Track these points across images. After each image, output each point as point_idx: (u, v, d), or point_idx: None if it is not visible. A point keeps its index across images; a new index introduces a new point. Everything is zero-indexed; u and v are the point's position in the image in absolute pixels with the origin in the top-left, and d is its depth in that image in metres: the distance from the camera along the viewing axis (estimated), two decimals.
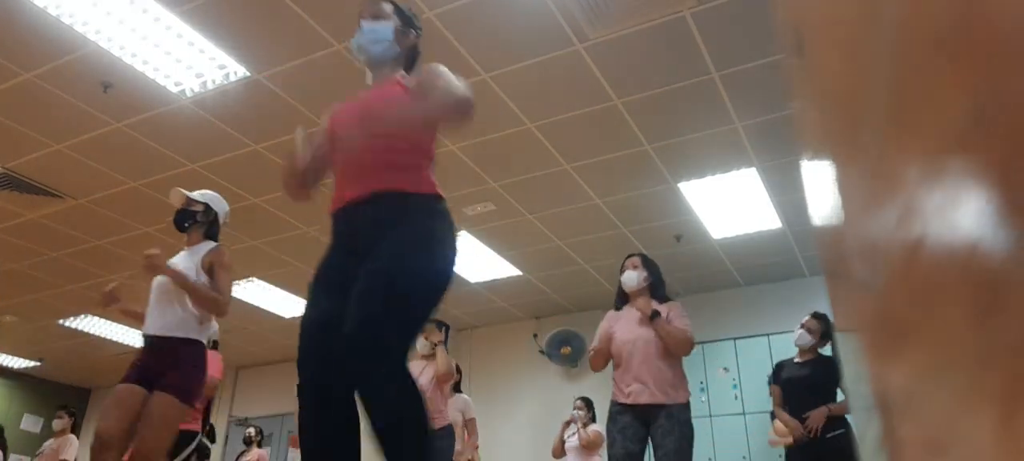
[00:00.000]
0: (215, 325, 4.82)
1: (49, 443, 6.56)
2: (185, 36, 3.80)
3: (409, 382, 1.63)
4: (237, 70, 4.07)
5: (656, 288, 3.60)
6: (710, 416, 6.74)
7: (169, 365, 2.89)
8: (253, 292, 7.36)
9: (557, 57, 3.93)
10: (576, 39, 3.81)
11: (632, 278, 3.58)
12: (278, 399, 9.22)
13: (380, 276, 1.65)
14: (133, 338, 8.61)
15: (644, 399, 3.35)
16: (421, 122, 1.81)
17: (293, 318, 8.07)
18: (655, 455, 3.29)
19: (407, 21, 2.09)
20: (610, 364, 3.59)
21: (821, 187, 0.38)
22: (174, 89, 4.23)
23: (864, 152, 0.29)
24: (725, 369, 6.93)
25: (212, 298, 3.00)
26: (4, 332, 8.53)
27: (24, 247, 6.24)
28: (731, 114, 4.42)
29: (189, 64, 4.01)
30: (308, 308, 1.82)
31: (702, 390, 6.85)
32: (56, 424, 6.49)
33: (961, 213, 0.21)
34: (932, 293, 0.24)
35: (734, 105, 4.33)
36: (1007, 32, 0.19)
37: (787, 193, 5.33)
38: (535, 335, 7.89)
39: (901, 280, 0.27)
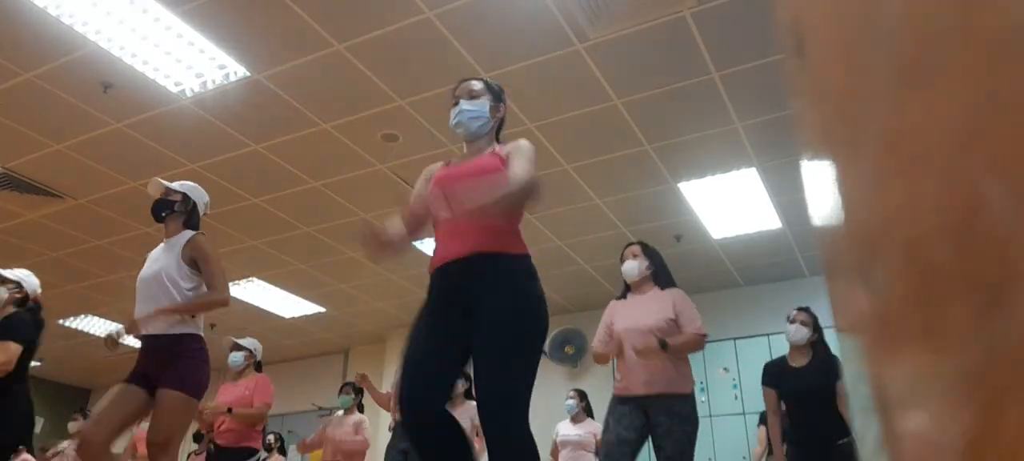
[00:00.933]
0: (259, 345, 4.94)
1: (66, 444, 6.57)
2: (185, 36, 3.80)
3: (532, 447, 1.92)
4: (237, 70, 4.07)
5: (659, 276, 3.50)
6: (710, 416, 6.74)
7: (167, 361, 2.86)
8: (253, 292, 7.36)
9: (557, 57, 3.93)
10: (576, 39, 3.81)
11: (633, 268, 3.49)
12: (278, 399, 9.21)
13: (495, 362, 1.95)
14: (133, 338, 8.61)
15: (641, 390, 3.23)
16: (501, 210, 2.04)
17: (293, 318, 8.08)
18: (656, 457, 3.20)
19: (496, 96, 2.33)
20: (612, 367, 3.55)
21: (821, 187, 0.38)
22: (174, 89, 4.23)
23: (864, 151, 0.29)
24: (725, 369, 6.93)
25: (209, 302, 2.97)
26: None
27: (24, 247, 6.24)
28: (731, 114, 4.42)
29: (189, 64, 4.01)
30: (409, 354, 2.05)
31: (702, 390, 6.85)
32: (71, 426, 6.54)
33: (961, 213, 0.21)
34: (932, 293, 0.24)
35: (734, 105, 4.33)
36: (1007, 31, 0.19)
37: (787, 193, 5.33)
38: None
39: (901, 280, 0.27)
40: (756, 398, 6.63)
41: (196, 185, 3.30)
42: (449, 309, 2.05)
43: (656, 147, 4.80)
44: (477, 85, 2.31)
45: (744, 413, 6.66)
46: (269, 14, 3.65)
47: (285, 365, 9.53)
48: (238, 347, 4.81)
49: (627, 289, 3.58)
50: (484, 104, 2.28)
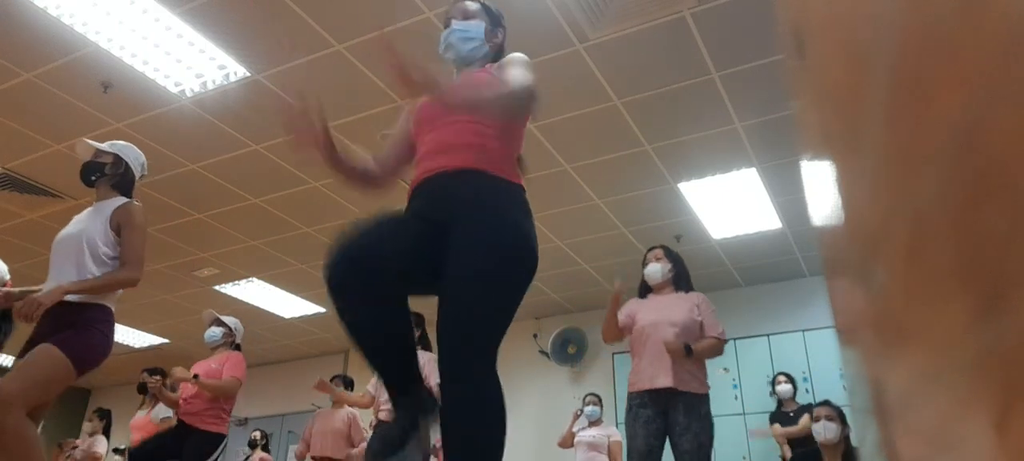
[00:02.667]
0: (241, 326, 4.82)
1: (80, 440, 6.61)
2: (185, 36, 3.80)
3: (496, 394, 1.61)
4: (237, 70, 4.07)
5: (680, 280, 3.55)
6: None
7: (66, 325, 2.55)
8: (253, 292, 7.36)
9: (557, 57, 3.93)
10: (576, 39, 3.81)
11: (656, 271, 3.54)
12: (278, 399, 9.23)
13: (463, 285, 1.63)
14: (134, 338, 8.61)
15: (661, 382, 3.25)
16: (487, 110, 1.77)
17: (293, 318, 8.08)
18: (673, 454, 3.22)
19: (495, 20, 2.07)
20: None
21: (821, 187, 0.38)
22: (174, 89, 4.23)
23: (864, 152, 0.29)
24: (725, 369, 6.93)
25: (115, 282, 2.66)
26: None
27: (24, 247, 6.24)
28: (731, 114, 4.42)
29: (189, 64, 4.01)
30: (357, 231, 1.72)
31: None
32: (86, 426, 6.56)
33: (962, 213, 0.21)
34: (932, 294, 0.24)
35: (734, 105, 4.33)
36: (1008, 31, 0.19)
37: (787, 193, 5.33)
38: (535, 335, 7.89)
39: (901, 281, 0.27)
40: (756, 398, 6.64)
41: (130, 145, 3.02)
42: (424, 223, 1.73)
43: (656, 147, 4.80)
44: (473, 5, 2.04)
45: (744, 413, 6.66)
46: (269, 14, 3.65)
47: (285, 365, 9.53)
48: (219, 323, 4.60)
49: (647, 290, 3.62)
50: (480, 25, 2.00)
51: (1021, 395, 0.19)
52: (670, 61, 3.97)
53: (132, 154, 2.96)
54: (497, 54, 2.05)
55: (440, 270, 1.65)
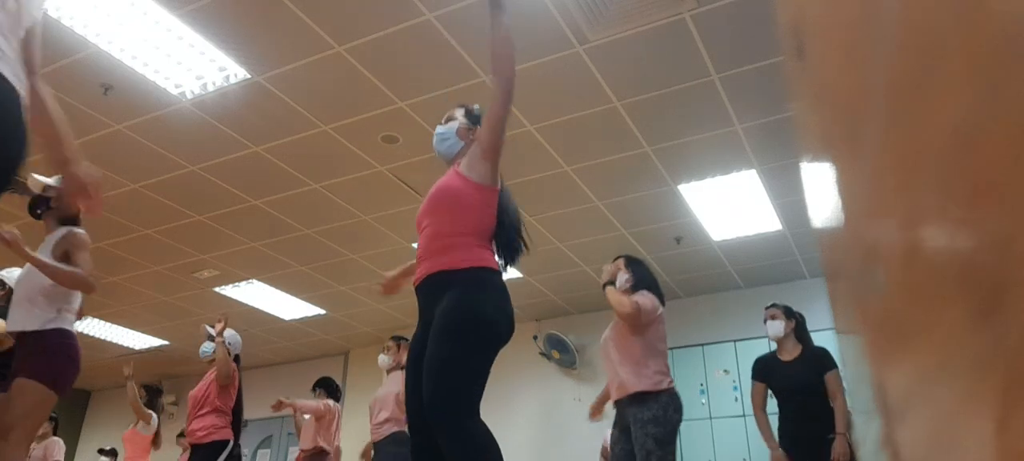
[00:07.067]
0: (238, 339, 4.89)
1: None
2: (185, 38, 3.80)
3: (477, 437, 1.90)
4: (237, 72, 4.07)
5: (637, 288, 3.54)
6: (710, 418, 6.74)
7: (31, 355, 2.76)
8: (253, 294, 7.36)
9: (557, 59, 3.93)
10: (576, 41, 3.81)
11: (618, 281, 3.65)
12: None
13: (430, 363, 1.98)
14: (133, 340, 8.61)
15: (615, 394, 3.44)
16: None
17: (293, 320, 8.07)
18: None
19: (474, 119, 2.41)
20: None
21: (821, 189, 0.38)
22: (174, 91, 4.23)
23: (864, 153, 0.29)
24: (725, 371, 6.93)
25: (71, 274, 2.84)
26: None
27: None
28: (731, 116, 4.42)
29: (189, 66, 4.01)
30: (407, 379, 2.18)
31: (702, 392, 6.85)
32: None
33: (961, 214, 0.21)
34: (932, 294, 0.24)
35: (734, 107, 4.33)
36: (1007, 32, 0.19)
37: (787, 195, 5.33)
38: (535, 337, 7.89)
39: (901, 281, 0.27)
40: None
41: None
42: (425, 327, 2.14)
43: (656, 149, 4.80)
44: (457, 111, 2.41)
45: (744, 415, 6.66)
46: (269, 16, 3.65)
47: (285, 367, 9.52)
48: (213, 338, 4.71)
49: None
50: (453, 126, 2.37)
51: (1021, 394, 0.19)
52: (670, 63, 3.97)
53: None
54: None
55: None
